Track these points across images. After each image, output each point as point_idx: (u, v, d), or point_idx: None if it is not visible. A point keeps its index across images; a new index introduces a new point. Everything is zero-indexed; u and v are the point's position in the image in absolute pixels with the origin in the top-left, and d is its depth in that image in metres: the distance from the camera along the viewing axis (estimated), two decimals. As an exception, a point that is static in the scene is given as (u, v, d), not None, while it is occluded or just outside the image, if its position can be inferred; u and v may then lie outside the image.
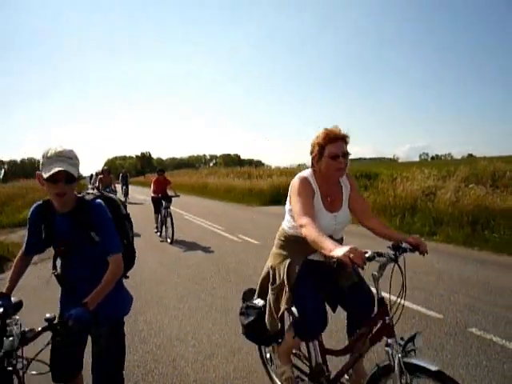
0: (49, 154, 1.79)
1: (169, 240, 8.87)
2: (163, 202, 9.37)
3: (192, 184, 29.05)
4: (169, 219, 9.05)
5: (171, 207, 9.53)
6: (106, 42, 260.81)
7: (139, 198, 23.29)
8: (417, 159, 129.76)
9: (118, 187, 17.06)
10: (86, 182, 56.46)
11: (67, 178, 1.78)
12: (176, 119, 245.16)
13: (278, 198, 16.91)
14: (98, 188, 13.92)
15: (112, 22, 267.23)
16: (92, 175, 38.25)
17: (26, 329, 1.60)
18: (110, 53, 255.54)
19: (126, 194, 20.09)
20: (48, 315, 1.62)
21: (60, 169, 1.73)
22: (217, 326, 4.09)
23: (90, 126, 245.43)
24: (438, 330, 3.79)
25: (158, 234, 9.73)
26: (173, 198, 9.72)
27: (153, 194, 9.65)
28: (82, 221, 1.89)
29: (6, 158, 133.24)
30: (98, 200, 1.99)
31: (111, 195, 2.23)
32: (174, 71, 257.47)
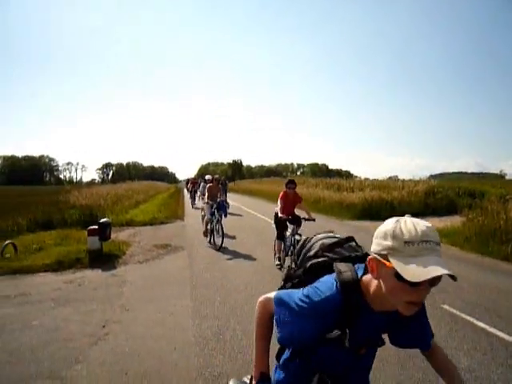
0: (407, 236, 1.09)
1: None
2: (290, 226, 7.23)
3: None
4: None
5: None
6: (199, 55, 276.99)
7: (232, 204, 24.15)
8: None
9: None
10: (181, 185, 60.73)
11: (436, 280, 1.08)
12: (265, 127, 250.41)
13: (369, 212, 16.31)
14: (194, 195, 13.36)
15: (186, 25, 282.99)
16: (188, 180, 40.63)
17: None
18: (195, 59, 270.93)
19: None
20: None
21: (444, 273, 1.03)
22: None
23: (184, 132, 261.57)
24: None
25: (279, 266, 7.23)
26: (304, 220, 7.25)
27: (280, 214, 7.19)
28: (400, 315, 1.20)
29: (114, 161, 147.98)
30: None
31: None
32: (263, 79, 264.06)
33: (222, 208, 9.97)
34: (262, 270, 7.30)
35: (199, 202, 12.92)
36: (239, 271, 7.28)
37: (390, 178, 28.24)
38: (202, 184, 11.91)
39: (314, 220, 7.23)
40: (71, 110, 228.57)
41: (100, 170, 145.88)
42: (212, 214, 9.85)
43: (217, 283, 6.45)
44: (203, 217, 11.62)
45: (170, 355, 3.90)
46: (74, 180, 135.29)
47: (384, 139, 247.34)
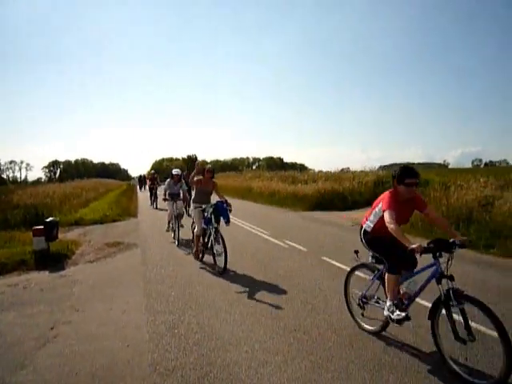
0: None
1: None
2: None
3: (236, 187, 29.39)
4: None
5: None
6: (152, 45, 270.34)
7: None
8: (469, 165, 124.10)
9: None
10: (134, 182, 59.06)
11: None
12: (219, 121, 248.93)
13: (322, 202, 16.73)
14: (182, 195, 10.08)
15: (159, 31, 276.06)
16: (141, 176, 39.55)
17: None
18: (158, 57, 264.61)
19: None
20: None
21: None
22: (268, 334, 4.12)
23: (137, 128, 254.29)
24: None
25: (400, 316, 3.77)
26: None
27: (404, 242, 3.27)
28: None
29: (61, 159, 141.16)
30: None
31: None
32: (218, 74, 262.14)
33: (223, 212, 6.80)
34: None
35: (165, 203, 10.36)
36: (193, 264, 7.23)
37: (342, 170, 29.04)
38: (167, 181, 9.75)
39: (469, 242, 3.57)
40: (12, 105, 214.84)
41: (46, 168, 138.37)
42: (208, 223, 7.03)
43: (171, 278, 6.37)
44: (170, 222, 10.22)
45: (123, 353, 3.81)
46: (19, 179, 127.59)
47: (338, 133, 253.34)
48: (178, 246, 9.04)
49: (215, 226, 6.87)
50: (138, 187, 40.66)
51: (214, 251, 6.80)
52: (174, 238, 9.57)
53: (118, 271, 7.05)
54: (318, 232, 10.83)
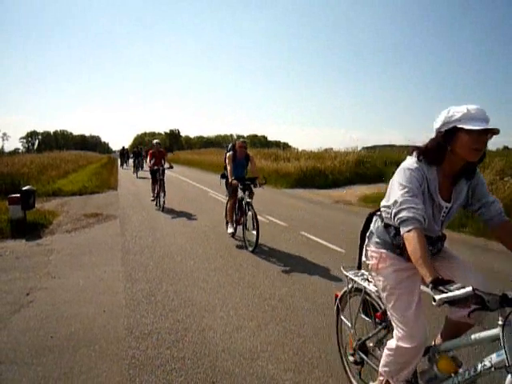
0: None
1: None
2: None
3: (219, 163, 29.21)
4: None
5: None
6: (139, 18, 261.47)
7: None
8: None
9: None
10: (115, 156, 57.37)
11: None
12: (205, 98, 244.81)
13: (304, 180, 16.85)
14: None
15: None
16: (124, 149, 38.06)
17: None
18: (143, 30, 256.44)
19: None
20: None
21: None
22: (244, 301, 4.21)
23: (119, 101, 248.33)
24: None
25: None
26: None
27: None
28: None
29: (40, 130, 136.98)
30: None
31: None
32: (203, 50, 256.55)
33: None
34: (198, 236, 7.32)
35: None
36: (173, 235, 7.25)
37: (326, 150, 28.99)
38: (228, 154, 6.83)
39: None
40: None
41: (24, 138, 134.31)
42: None
43: (150, 249, 6.39)
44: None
45: (99, 318, 3.85)
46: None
47: (323, 114, 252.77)
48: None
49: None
50: (119, 163, 35.48)
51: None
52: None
53: (96, 241, 7.01)
54: (297, 208, 10.95)
